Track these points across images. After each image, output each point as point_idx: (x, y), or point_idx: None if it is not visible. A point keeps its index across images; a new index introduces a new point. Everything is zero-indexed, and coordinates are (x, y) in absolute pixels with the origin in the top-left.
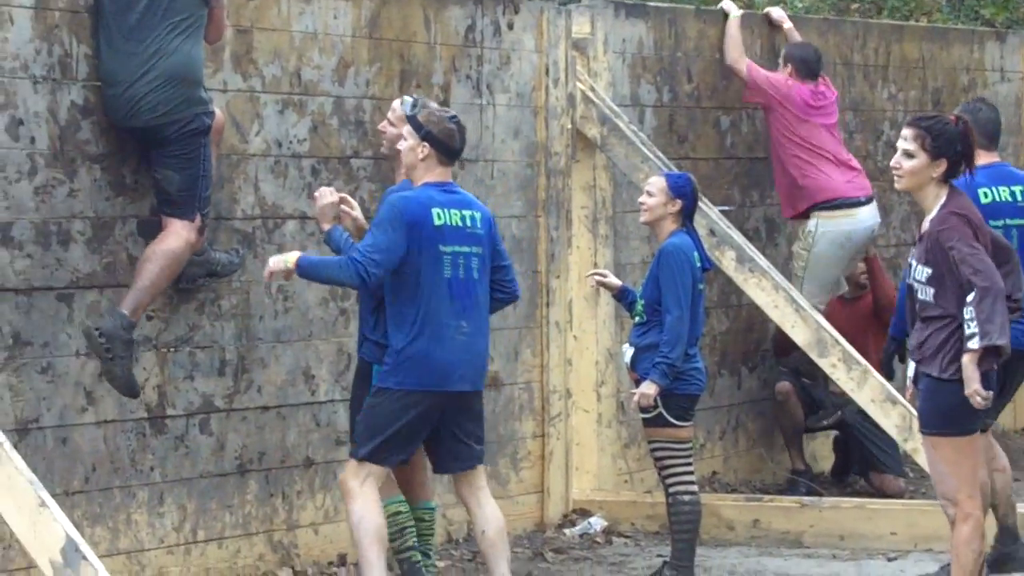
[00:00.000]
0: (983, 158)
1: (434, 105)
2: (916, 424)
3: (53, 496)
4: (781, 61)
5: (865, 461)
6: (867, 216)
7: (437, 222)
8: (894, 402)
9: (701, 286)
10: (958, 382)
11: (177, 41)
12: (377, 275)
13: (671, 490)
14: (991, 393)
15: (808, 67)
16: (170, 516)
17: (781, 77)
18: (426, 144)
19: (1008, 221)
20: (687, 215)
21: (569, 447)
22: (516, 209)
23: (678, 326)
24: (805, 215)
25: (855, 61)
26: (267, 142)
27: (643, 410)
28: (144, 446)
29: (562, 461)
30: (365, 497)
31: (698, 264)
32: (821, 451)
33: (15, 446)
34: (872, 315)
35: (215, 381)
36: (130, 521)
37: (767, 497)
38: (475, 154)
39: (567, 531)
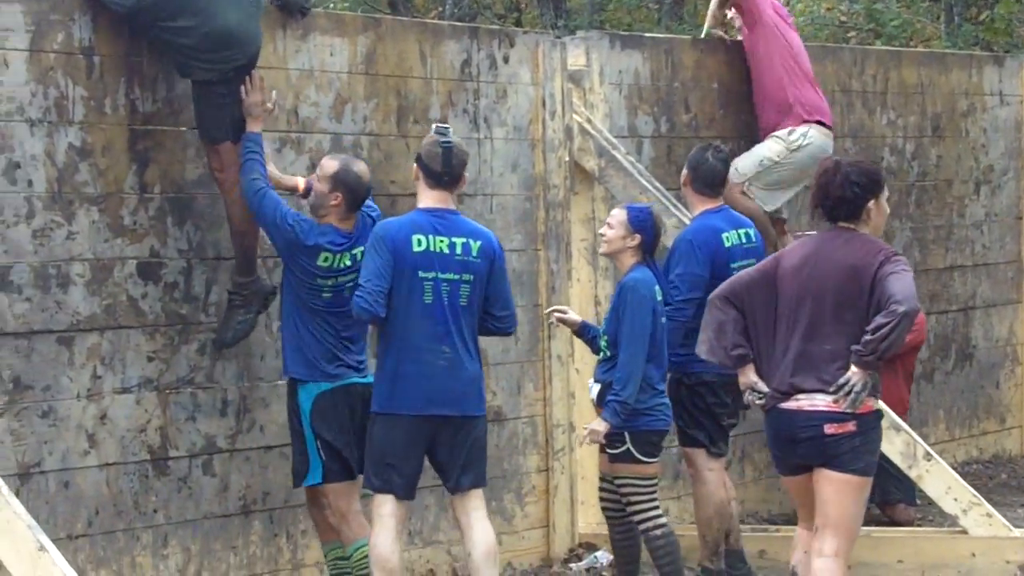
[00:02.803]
0: (709, 204)
1: (442, 134)
2: (919, 451)
3: (56, 540)
4: None
5: (880, 490)
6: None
7: (417, 248)
8: (898, 429)
9: (664, 320)
10: None
11: None
12: (382, 301)
13: (641, 527)
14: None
15: None
16: (175, 558)
17: None
18: (415, 166)
19: (742, 263)
20: (647, 249)
21: (574, 481)
22: (516, 243)
23: (630, 364)
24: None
25: (854, 88)
26: None
27: (610, 446)
28: (147, 488)
29: (567, 495)
30: (379, 525)
31: (659, 298)
32: None
33: (17, 491)
34: None
35: (217, 422)
36: (134, 564)
37: (773, 527)
38: (474, 188)
39: (573, 566)
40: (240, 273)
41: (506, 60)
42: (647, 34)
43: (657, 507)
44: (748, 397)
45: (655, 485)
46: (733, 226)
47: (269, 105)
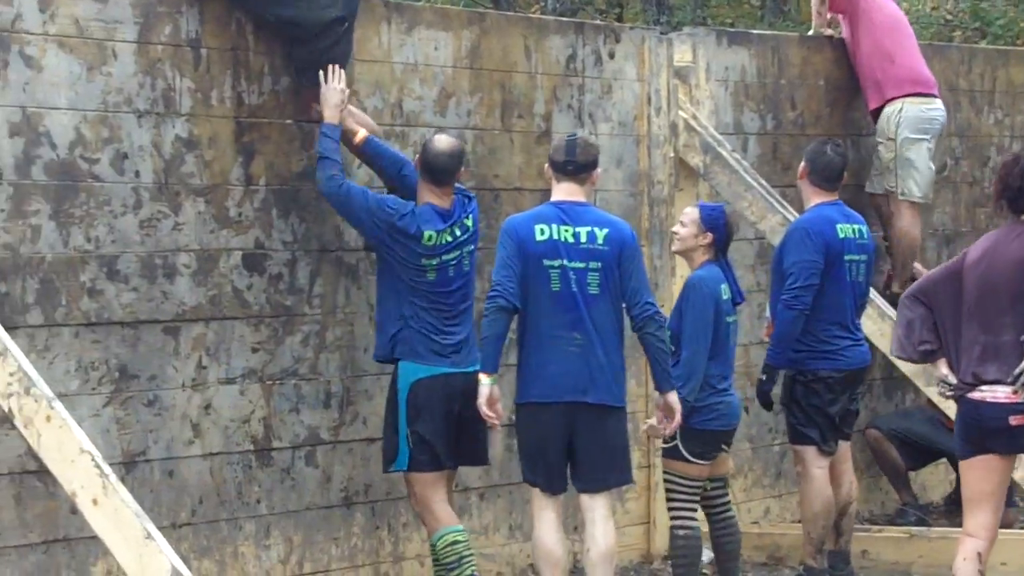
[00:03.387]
0: (825, 196)
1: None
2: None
3: (160, 529)
4: None
5: None
6: (942, 107)
7: (540, 237)
8: None
9: (730, 319)
10: None
11: None
12: (512, 290)
13: (671, 523)
14: None
15: None
16: (276, 549)
17: None
18: (547, 166)
19: (855, 256)
20: (720, 247)
21: None
22: None
23: (693, 361)
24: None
25: (961, 87)
26: (370, 174)
27: (664, 440)
28: (251, 478)
29: None
30: (537, 520)
31: (726, 297)
32: (930, 481)
33: (122, 479)
34: None
35: (321, 413)
36: (237, 554)
37: (875, 527)
38: None
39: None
40: None
41: (611, 56)
42: (754, 31)
43: (694, 510)
44: (939, 389)
45: (698, 487)
46: (848, 220)
47: (346, 95)
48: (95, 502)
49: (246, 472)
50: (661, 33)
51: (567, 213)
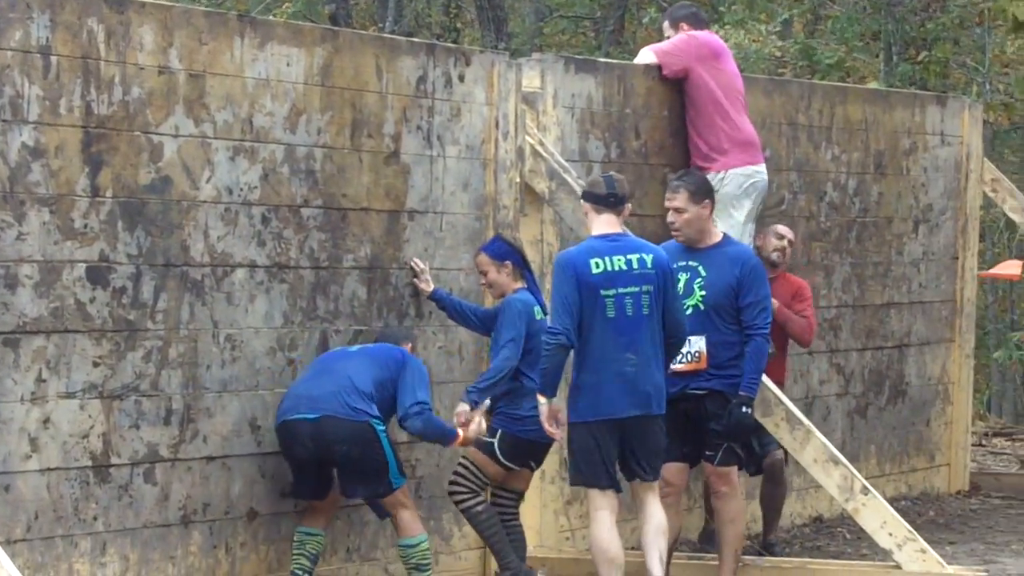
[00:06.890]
0: None
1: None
2: (856, 484)
3: None
4: (669, 25)
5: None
6: (764, 171)
7: (595, 270)
8: (836, 462)
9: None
10: None
11: None
12: (571, 329)
13: (463, 506)
14: None
15: (698, 18)
16: (112, 566)
17: (682, 36)
18: (583, 201)
19: None
20: (522, 267)
21: None
22: (464, 262)
23: (501, 367)
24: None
25: (799, 122)
26: (218, 189)
27: (485, 435)
28: (88, 495)
29: None
30: (594, 520)
31: (539, 317)
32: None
33: None
34: (791, 300)
35: (160, 430)
36: (72, 571)
37: (709, 556)
38: (424, 206)
39: None
40: None
41: (461, 79)
42: (601, 59)
43: (478, 494)
44: None
45: (484, 485)
46: None
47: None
48: None
49: (83, 488)
50: (511, 58)
51: (616, 244)
